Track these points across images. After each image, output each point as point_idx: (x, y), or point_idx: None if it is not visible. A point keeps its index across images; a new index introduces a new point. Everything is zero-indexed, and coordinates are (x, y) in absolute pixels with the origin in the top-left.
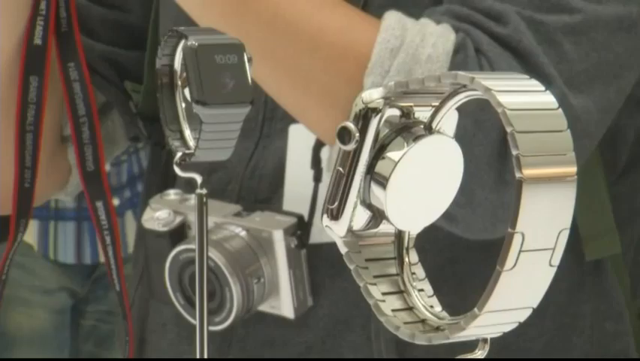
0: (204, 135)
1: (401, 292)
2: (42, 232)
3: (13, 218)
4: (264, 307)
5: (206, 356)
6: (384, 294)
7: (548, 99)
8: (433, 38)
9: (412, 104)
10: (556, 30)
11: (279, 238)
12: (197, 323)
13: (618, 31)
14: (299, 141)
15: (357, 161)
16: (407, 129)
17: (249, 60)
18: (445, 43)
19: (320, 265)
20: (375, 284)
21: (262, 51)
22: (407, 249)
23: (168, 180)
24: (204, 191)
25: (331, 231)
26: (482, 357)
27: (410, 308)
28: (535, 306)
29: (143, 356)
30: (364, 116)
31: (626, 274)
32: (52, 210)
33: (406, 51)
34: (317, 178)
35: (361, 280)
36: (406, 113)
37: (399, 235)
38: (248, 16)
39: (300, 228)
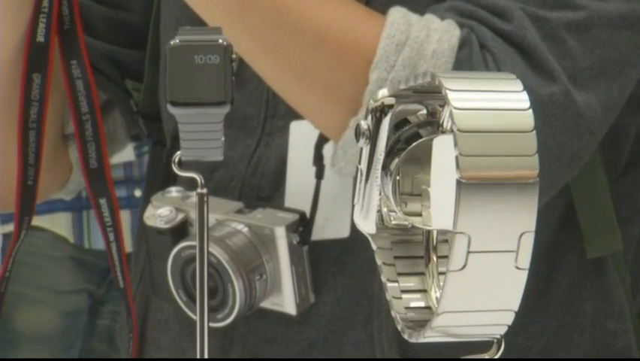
0: (183, 135)
1: (423, 290)
2: (76, 222)
3: (17, 215)
4: (266, 304)
5: (206, 354)
6: (403, 291)
7: (520, 100)
8: (438, 34)
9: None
10: (559, 26)
11: (281, 234)
12: (197, 321)
13: (621, 28)
14: (301, 138)
15: (371, 158)
16: (426, 126)
17: (233, 61)
18: (450, 39)
19: (322, 262)
20: (396, 281)
21: (267, 47)
22: (435, 247)
23: (169, 178)
24: (205, 191)
25: (361, 227)
26: (487, 358)
27: (428, 307)
28: (515, 309)
29: (144, 353)
30: (378, 113)
31: (627, 272)
32: (83, 200)
33: (411, 46)
34: (319, 175)
35: (384, 277)
36: (431, 112)
37: (427, 233)
38: (252, 13)
39: (302, 225)
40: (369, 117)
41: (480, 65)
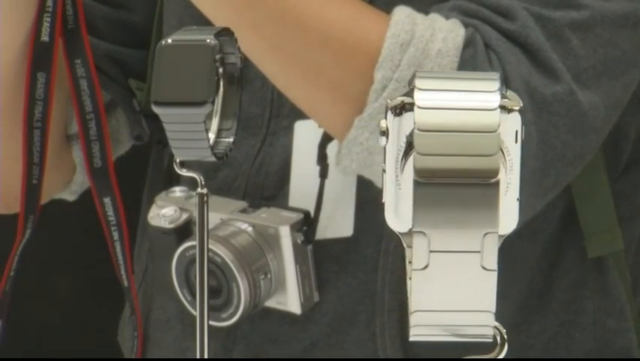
0: (169, 135)
1: None
2: None
3: (22, 215)
4: (271, 303)
5: (206, 354)
6: None
7: (489, 100)
8: (442, 33)
9: None
10: (563, 26)
11: (285, 233)
12: (197, 321)
13: (624, 27)
14: (305, 138)
15: (391, 157)
16: None
17: (216, 61)
18: (455, 38)
19: (325, 261)
20: None
21: (272, 45)
22: None
23: (172, 178)
24: (205, 191)
25: (392, 226)
26: (488, 358)
27: None
28: (491, 310)
29: (146, 352)
30: (398, 111)
31: (627, 271)
32: None
33: (416, 45)
34: (323, 174)
35: (407, 275)
36: None
37: None
38: (258, 11)
39: (306, 224)
40: (390, 116)
41: (484, 64)
